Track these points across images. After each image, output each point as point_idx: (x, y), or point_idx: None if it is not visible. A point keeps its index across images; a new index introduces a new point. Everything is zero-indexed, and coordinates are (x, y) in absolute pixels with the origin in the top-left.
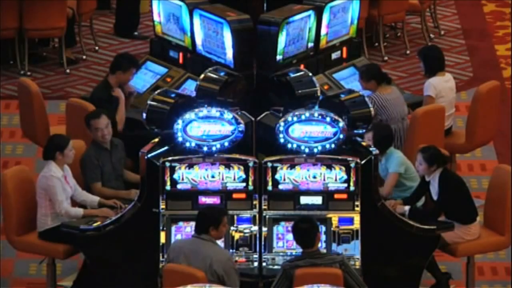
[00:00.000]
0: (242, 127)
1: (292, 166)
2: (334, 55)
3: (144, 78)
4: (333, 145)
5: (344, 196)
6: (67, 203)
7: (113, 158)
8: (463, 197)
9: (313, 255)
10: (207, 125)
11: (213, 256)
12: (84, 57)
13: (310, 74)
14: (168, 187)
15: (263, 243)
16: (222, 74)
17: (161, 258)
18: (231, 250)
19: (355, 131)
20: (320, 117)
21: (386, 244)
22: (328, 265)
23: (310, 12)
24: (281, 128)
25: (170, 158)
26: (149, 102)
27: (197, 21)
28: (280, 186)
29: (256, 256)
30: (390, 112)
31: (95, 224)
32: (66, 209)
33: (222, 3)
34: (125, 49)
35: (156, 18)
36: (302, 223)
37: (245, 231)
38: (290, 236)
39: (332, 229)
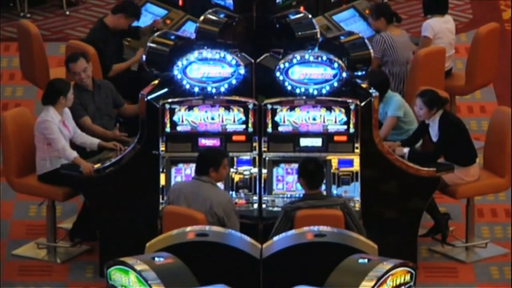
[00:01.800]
0: (242, 69)
1: (291, 108)
2: None
3: (144, 20)
4: (333, 87)
5: (344, 138)
6: (65, 142)
7: (96, 98)
8: (463, 139)
9: (315, 197)
10: (207, 67)
11: (214, 198)
12: None
13: (310, 16)
14: (167, 129)
15: (262, 185)
16: (221, 16)
17: (160, 200)
18: (231, 192)
19: (355, 73)
20: (320, 59)
21: (385, 186)
22: (330, 206)
23: None
24: (281, 70)
25: (170, 100)
26: (148, 44)
27: None
28: (280, 128)
29: (255, 198)
30: (397, 55)
31: (95, 166)
32: (62, 146)
33: None
34: None
35: None
36: (310, 163)
37: (245, 173)
38: (290, 178)
39: (331, 171)
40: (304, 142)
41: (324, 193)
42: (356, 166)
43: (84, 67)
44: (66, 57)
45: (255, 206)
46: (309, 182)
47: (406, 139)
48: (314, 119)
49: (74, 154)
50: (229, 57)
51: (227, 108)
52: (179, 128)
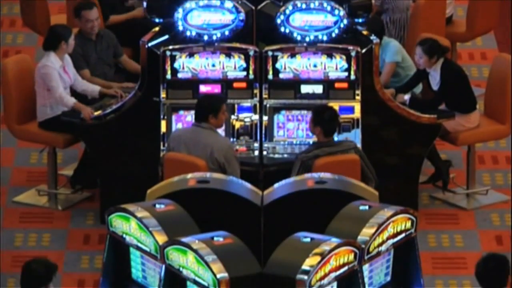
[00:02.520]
0: (242, 16)
1: (292, 55)
2: None
3: None
4: (333, 34)
5: (345, 85)
6: (63, 90)
7: (97, 48)
8: (464, 87)
9: (328, 144)
10: (208, 14)
11: (214, 145)
12: None
13: None
14: (168, 76)
15: (263, 132)
16: None
17: (161, 147)
18: (231, 139)
19: (356, 20)
20: (320, 6)
21: (386, 133)
22: (345, 151)
23: None
24: (282, 17)
25: (170, 47)
26: None
27: None
28: (281, 75)
29: (256, 145)
30: (397, 1)
31: (95, 113)
32: (59, 94)
33: None
34: None
35: None
36: (325, 112)
37: (246, 120)
38: (290, 125)
39: None
40: (305, 89)
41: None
42: (357, 113)
43: (97, 16)
44: (78, 4)
45: (256, 153)
46: (326, 130)
47: (401, 85)
48: (315, 66)
49: (72, 100)
50: (229, 3)
51: (228, 55)
52: (180, 75)
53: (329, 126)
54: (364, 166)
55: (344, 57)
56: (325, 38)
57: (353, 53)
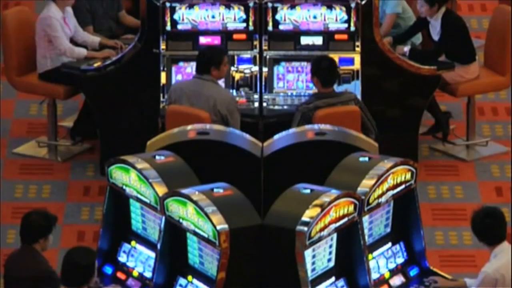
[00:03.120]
0: None
1: (292, 7)
2: None
3: None
4: None
5: (345, 36)
6: (68, 42)
7: (104, 2)
8: (464, 38)
9: (329, 95)
10: None
11: (217, 97)
12: None
13: None
14: (168, 28)
15: (263, 83)
16: None
17: (161, 99)
18: (231, 91)
19: None
20: None
21: (386, 85)
22: (345, 103)
23: None
24: None
25: None
26: None
27: None
28: (281, 27)
29: (256, 96)
30: None
31: (95, 65)
32: (69, 46)
33: None
34: None
35: None
36: (323, 61)
37: (246, 71)
38: (290, 77)
39: None
40: (304, 40)
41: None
42: (357, 65)
43: None
44: None
45: (256, 104)
46: (323, 80)
47: (401, 34)
48: (314, 17)
49: (83, 50)
50: None
51: (228, 7)
52: (179, 27)
53: (327, 76)
54: (364, 117)
55: (344, 8)
56: None
57: (353, 4)
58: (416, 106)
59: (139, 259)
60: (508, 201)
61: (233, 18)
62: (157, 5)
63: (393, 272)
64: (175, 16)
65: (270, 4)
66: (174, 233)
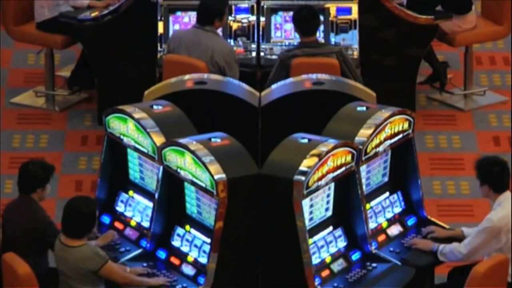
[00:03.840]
0: None
1: None
2: None
3: None
4: None
5: None
6: None
7: None
8: None
9: (311, 45)
10: None
11: (216, 48)
12: None
13: None
14: None
15: (261, 33)
16: None
17: (159, 48)
18: (229, 40)
19: None
20: None
21: (384, 34)
22: (326, 55)
23: None
24: None
25: None
26: None
27: None
28: None
29: (254, 46)
30: None
31: (93, 14)
32: None
33: None
34: None
35: None
36: (303, 10)
37: (243, 21)
38: (288, 26)
39: (330, 19)
40: None
41: (323, 40)
42: (355, 14)
43: None
44: None
45: (253, 54)
46: (302, 29)
47: None
48: None
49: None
50: None
51: None
52: None
53: (306, 25)
54: (346, 71)
55: None
56: None
57: None
58: (413, 55)
59: (137, 209)
60: (505, 151)
61: None
62: None
63: (391, 222)
64: None
65: None
66: (172, 183)
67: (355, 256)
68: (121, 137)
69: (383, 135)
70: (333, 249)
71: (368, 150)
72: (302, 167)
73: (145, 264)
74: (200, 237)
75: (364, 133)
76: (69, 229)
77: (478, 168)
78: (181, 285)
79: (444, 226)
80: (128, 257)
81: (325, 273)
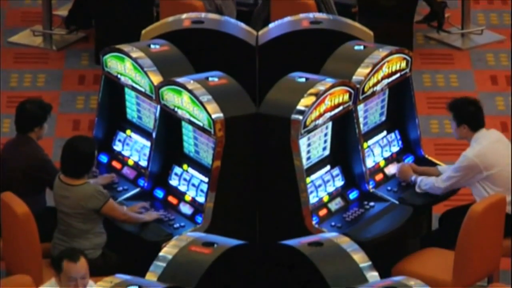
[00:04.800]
0: None
1: None
2: None
3: None
4: None
5: None
6: None
7: None
8: None
9: None
10: None
11: None
12: None
13: None
14: None
15: None
16: None
17: None
18: None
19: None
20: None
21: None
22: None
23: None
24: None
25: None
26: None
27: None
28: None
29: None
30: None
31: None
32: None
33: None
34: None
35: None
36: None
37: None
38: None
39: None
40: None
41: None
42: None
43: None
44: None
45: None
46: None
47: None
48: None
49: None
50: None
51: None
52: None
53: None
54: (323, 8)
55: None
56: None
57: None
58: None
59: (134, 148)
60: (503, 89)
61: None
62: None
63: (388, 161)
64: None
65: None
66: (169, 122)
67: (353, 195)
68: (119, 76)
69: (380, 74)
70: (330, 188)
71: (365, 89)
72: (300, 106)
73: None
74: (198, 176)
75: (361, 72)
76: (68, 169)
77: (453, 110)
78: (179, 224)
79: (441, 164)
80: (125, 196)
81: (323, 212)
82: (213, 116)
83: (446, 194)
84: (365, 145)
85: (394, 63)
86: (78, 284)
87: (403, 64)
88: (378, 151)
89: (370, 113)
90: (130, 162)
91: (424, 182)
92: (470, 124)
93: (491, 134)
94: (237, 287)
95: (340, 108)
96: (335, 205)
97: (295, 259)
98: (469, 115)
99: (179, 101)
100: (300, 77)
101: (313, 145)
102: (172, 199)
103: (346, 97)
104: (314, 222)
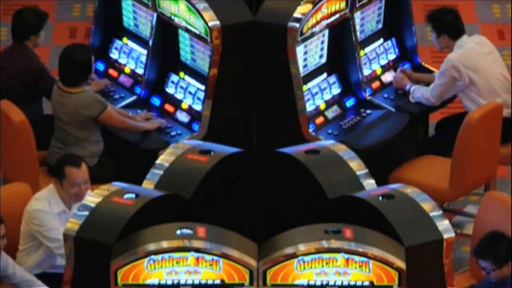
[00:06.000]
0: None
1: None
2: None
3: None
4: None
5: None
6: None
7: None
8: None
9: None
10: None
11: None
12: None
13: None
14: None
15: None
16: None
17: None
18: None
19: None
20: None
21: None
22: None
23: None
24: None
25: None
26: None
27: None
28: None
29: None
30: None
31: None
32: None
33: None
34: None
35: None
36: None
37: None
38: None
39: None
40: None
41: None
42: None
43: None
44: None
45: None
46: None
47: None
48: None
49: None
50: None
51: None
52: None
53: None
54: None
55: None
56: None
57: None
58: None
59: (131, 56)
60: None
61: None
62: None
63: (385, 68)
64: None
65: None
66: (166, 30)
67: (349, 102)
68: None
69: None
70: (327, 96)
71: None
72: (296, 14)
73: (139, 111)
74: (195, 84)
75: None
76: (66, 78)
77: (431, 20)
78: (176, 132)
79: (437, 72)
80: (122, 103)
81: (320, 120)
82: (210, 23)
83: (442, 103)
84: (361, 52)
85: None
86: (82, 190)
87: None
88: (375, 59)
89: (366, 20)
90: (127, 70)
91: (416, 92)
92: (450, 33)
93: (474, 38)
94: (233, 195)
95: (337, 15)
96: (331, 112)
97: (291, 166)
98: (447, 24)
99: (176, 9)
100: None
101: (310, 53)
102: (168, 107)
103: (343, 4)
104: (310, 130)
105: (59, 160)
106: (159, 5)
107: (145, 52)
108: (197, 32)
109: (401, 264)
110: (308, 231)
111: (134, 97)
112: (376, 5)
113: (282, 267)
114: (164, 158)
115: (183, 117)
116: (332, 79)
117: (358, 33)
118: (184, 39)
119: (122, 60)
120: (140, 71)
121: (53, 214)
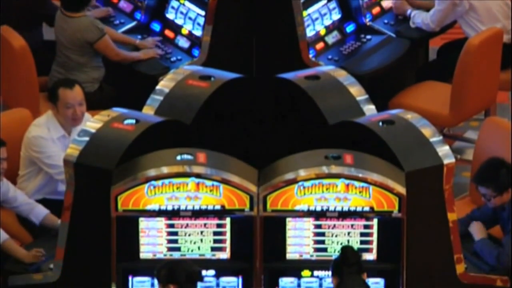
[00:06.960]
0: None
1: None
2: None
3: None
4: None
5: None
6: None
7: None
8: None
9: None
10: None
11: None
12: None
13: None
14: None
15: None
16: None
17: None
18: None
19: None
20: None
21: None
22: None
23: None
24: None
25: None
26: None
27: None
28: None
29: None
30: None
31: None
32: None
33: None
34: None
35: None
36: None
37: None
38: None
39: None
40: None
41: None
42: None
43: None
44: None
45: None
46: None
47: None
48: None
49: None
50: None
51: None
52: None
53: None
54: None
55: None
56: None
57: None
58: None
59: None
60: None
61: None
62: None
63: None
64: None
65: None
66: None
67: (350, 28)
68: None
69: None
70: (327, 22)
71: None
72: None
73: (139, 37)
74: (195, 10)
75: None
76: (67, 2)
77: None
78: (176, 58)
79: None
80: (122, 29)
81: (320, 45)
82: None
83: (442, 28)
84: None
85: None
86: (77, 111)
87: None
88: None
89: None
90: None
91: (416, 17)
92: None
93: None
94: (233, 121)
95: None
96: (332, 38)
97: (291, 92)
98: None
99: None
100: None
101: None
102: (168, 33)
103: None
104: (310, 56)
105: (53, 84)
106: None
107: None
108: None
109: (401, 190)
110: (308, 157)
111: (134, 23)
112: None
113: (282, 192)
114: (164, 84)
115: (183, 42)
116: (332, 4)
117: None
118: None
119: None
120: None
121: (52, 140)
